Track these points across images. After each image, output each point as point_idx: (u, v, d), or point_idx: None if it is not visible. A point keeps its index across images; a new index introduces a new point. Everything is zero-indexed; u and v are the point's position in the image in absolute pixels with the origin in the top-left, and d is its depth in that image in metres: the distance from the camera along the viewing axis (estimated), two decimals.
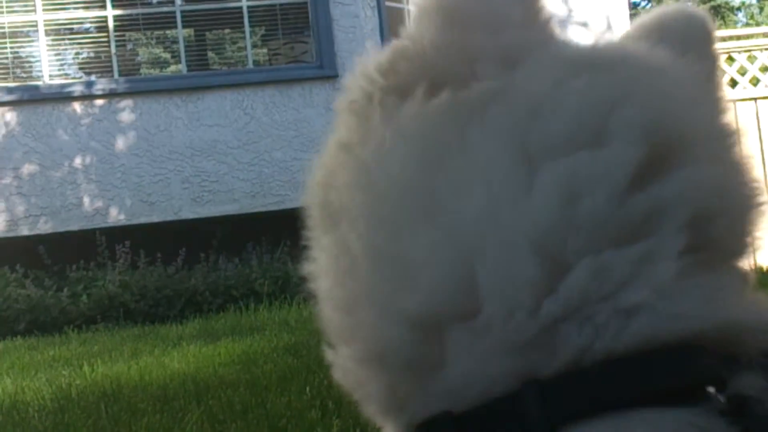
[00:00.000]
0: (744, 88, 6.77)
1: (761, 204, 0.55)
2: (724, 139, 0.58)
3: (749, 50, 6.84)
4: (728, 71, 6.54)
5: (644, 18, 0.70)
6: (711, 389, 0.49)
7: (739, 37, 7.44)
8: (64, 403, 3.29)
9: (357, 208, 0.58)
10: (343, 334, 0.56)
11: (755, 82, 6.83)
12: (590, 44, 0.65)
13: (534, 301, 0.47)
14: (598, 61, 0.59)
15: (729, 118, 0.57)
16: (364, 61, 0.60)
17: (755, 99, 6.78)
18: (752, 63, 6.71)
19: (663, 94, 0.55)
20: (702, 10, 0.68)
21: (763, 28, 8.65)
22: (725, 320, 0.51)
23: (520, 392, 0.46)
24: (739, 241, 0.56)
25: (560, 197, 0.50)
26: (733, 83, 6.75)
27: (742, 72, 6.84)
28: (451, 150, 0.54)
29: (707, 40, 0.64)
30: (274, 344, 4.23)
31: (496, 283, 0.49)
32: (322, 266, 0.58)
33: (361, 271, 0.54)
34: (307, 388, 2.89)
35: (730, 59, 6.65)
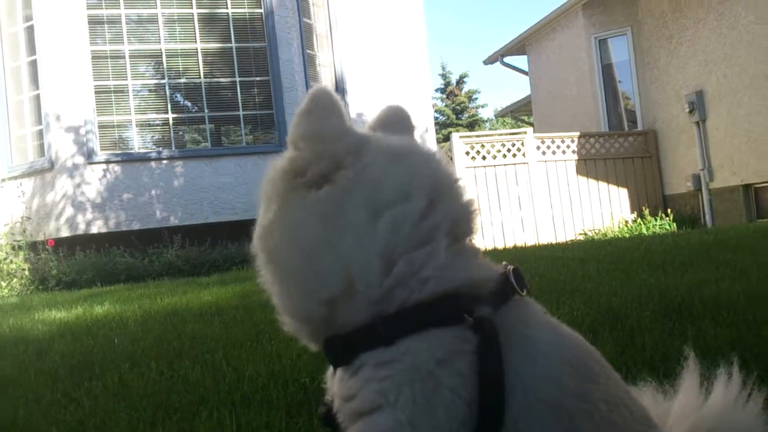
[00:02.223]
0: (483, 158, 11.80)
1: (476, 214, 1.10)
2: (457, 184, 1.12)
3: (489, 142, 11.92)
4: (481, 150, 11.65)
5: (377, 114, 1.24)
6: (466, 316, 0.97)
7: (484, 135, 12.46)
8: (147, 317, 4.38)
9: (282, 249, 1.09)
10: (286, 311, 1.11)
11: (491, 157, 11.86)
12: (390, 140, 1.15)
13: (380, 280, 0.95)
14: (403, 151, 1.11)
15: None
16: (272, 166, 1.12)
17: (488, 166, 11.76)
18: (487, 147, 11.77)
19: (434, 166, 1.11)
20: (401, 107, 1.24)
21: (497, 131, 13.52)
22: (471, 278, 1.00)
23: (374, 323, 0.95)
24: (471, 233, 1.07)
25: (390, 229, 0.99)
26: (480, 157, 11.81)
27: (485, 152, 11.91)
28: (333, 215, 1.03)
29: (409, 122, 1.21)
30: (254, 287, 6.77)
31: (362, 274, 0.97)
32: (267, 280, 1.12)
33: (291, 281, 1.05)
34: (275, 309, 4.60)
35: (482, 145, 11.83)
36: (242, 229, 8.04)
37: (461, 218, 1.12)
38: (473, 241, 1.15)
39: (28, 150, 10.85)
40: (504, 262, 1.17)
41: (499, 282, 1.11)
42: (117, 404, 2.30)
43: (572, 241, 11.38)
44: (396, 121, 1.24)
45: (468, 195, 1.15)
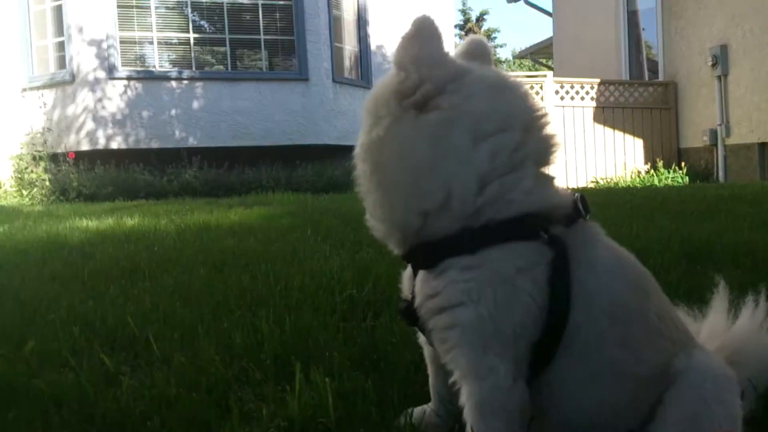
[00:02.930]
0: None
1: (558, 146, 1.24)
2: (545, 118, 1.23)
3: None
4: None
5: (462, 44, 1.33)
6: (543, 233, 1.18)
7: None
8: (181, 231, 4.61)
9: (391, 163, 1.21)
10: (382, 218, 1.24)
11: None
12: (487, 72, 1.25)
13: (474, 198, 1.14)
14: (501, 84, 1.23)
15: None
16: (380, 85, 1.24)
17: None
18: None
19: (528, 100, 1.24)
20: (483, 40, 1.33)
21: (514, 73, 13.52)
22: (549, 202, 1.19)
23: (461, 234, 1.15)
24: (552, 162, 1.23)
25: (489, 156, 1.16)
26: None
27: None
28: (441, 137, 1.17)
29: (490, 55, 1.32)
30: (278, 211, 6.01)
31: (460, 192, 1.15)
32: (365, 189, 1.24)
33: (394, 192, 1.20)
34: (308, 231, 4.03)
35: None
36: (259, 154, 9.24)
37: (546, 149, 1.27)
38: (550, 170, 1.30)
39: (50, 61, 10.86)
40: (571, 190, 1.32)
41: (570, 207, 1.27)
42: (177, 302, 2.48)
43: (585, 188, 11.47)
44: (479, 52, 1.35)
45: (553, 128, 1.29)
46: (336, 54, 11.76)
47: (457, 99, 1.20)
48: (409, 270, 1.36)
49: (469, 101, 1.20)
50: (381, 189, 1.26)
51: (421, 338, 1.47)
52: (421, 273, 1.27)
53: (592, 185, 12.46)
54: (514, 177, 1.19)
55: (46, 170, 9.71)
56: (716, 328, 1.54)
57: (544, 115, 1.28)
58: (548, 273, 1.18)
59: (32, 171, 9.71)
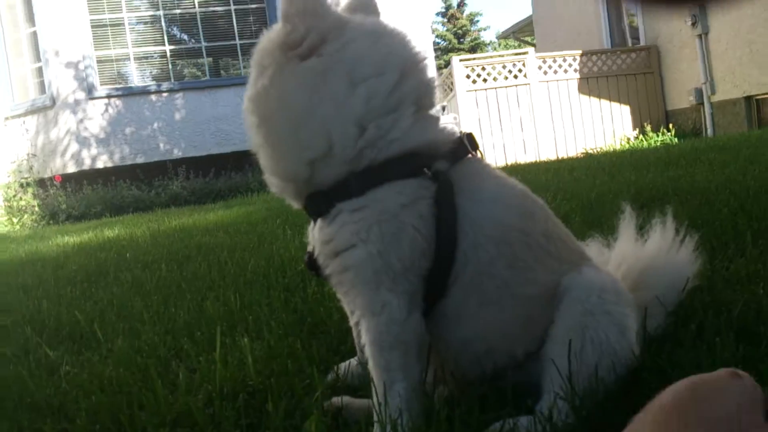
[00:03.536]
0: (484, 81, 11.82)
1: (437, 89, 1.28)
2: (423, 63, 1.22)
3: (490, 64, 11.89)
4: (482, 73, 11.63)
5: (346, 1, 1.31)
6: (425, 170, 1.22)
7: (485, 57, 12.40)
8: (156, 235, 4.70)
9: (274, 113, 1.21)
10: (273, 172, 1.26)
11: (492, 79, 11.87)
12: (368, 21, 1.27)
13: (354, 143, 1.18)
14: (378, 31, 1.24)
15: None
16: (267, 38, 1.22)
17: (489, 89, 11.82)
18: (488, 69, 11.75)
19: (405, 46, 1.26)
20: None
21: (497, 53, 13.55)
22: (430, 139, 1.25)
23: (347, 178, 1.18)
24: (433, 105, 1.28)
25: (365, 99, 1.18)
26: (482, 80, 11.80)
27: (486, 75, 11.89)
28: (318, 84, 1.19)
29: (376, 7, 1.29)
30: (258, 209, 6.10)
31: (340, 138, 1.18)
32: (256, 143, 1.26)
33: (279, 144, 1.21)
34: (277, 221, 4.17)
35: (482, 68, 11.77)
36: (245, 159, 7.81)
37: (425, 91, 1.29)
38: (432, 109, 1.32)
39: (30, 88, 10.91)
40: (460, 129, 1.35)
41: (454, 143, 1.30)
42: (132, 296, 2.50)
43: (572, 157, 11.46)
44: (364, 4, 1.36)
45: (432, 72, 1.31)
46: None
47: (335, 46, 1.21)
48: (312, 223, 1.38)
49: (346, 48, 1.22)
50: (269, 141, 1.27)
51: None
52: (318, 221, 1.29)
53: (581, 156, 12.44)
54: (392, 118, 1.21)
55: (34, 196, 9.76)
56: (626, 252, 1.55)
57: (423, 59, 1.29)
58: (433, 206, 1.21)
59: (21, 198, 9.76)
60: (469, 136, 1.33)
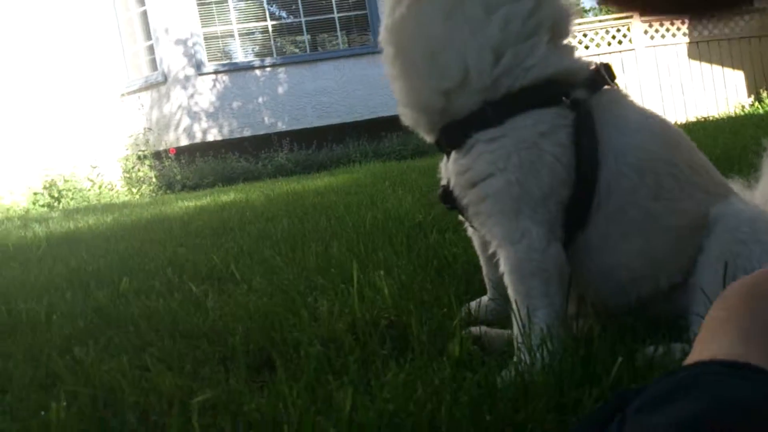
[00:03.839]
0: (586, 48, 11.34)
1: (575, 16, 1.24)
2: None
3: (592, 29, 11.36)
4: (583, 40, 11.16)
5: None
6: (564, 98, 1.20)
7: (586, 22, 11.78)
8: (270, 199, 5.02)
9: (411, 42, 1.22)
10: (408, 103, 1.28)
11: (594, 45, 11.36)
12: None
13: (490, 70, 1.17)
14: None
15: None
16: None
17: (591, 56, 11.32)
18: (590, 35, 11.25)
19: None
20: None
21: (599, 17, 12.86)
22: (568, 67, 1.23)
23: (483, 108, 1.17)
24: (569, 33, 1.25)
25: (501, 24, 1.17)
26: (583, 47, 11.33)
27: (587, 41, 11.41)
28: (455, 10, 1.19)
29: None
30: (363, 175, 6.43)
31: (476, 65, 1.18)
32: (391, 74, 1.26)
33: (415, 74, 1.23)
34: (386, 183, 4.49)
35: (584, 34, 11.30)
36: (345, 131, 9.56)
37: (562, 18, 1.28)
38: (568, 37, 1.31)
39: (142, 65, 11.48)
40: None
41: (592, 73, 1.28)
42: (261, 244, 2.64)
43: (683, 123, 10.94)
44: None
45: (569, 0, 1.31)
46: None
47: None
48: (444, 158, 1.41)
49: None
50: (404, 71, 1.31)
51: (469, 229, 1.52)
52: (452, 154, 1.32)
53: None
54: (528, 45, 1.21)
55: (151, 167, 10.34)
56: None
57: None
58: (572, 134, 1.20)
59: (139, 169, 10.36)
60: (606, 67, 1.32)
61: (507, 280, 1.24)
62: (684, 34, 12.46)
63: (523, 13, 1.22)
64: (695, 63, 12.50)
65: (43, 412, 1.24)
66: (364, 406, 1.00)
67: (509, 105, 1.21)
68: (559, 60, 1.24)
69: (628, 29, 12.24)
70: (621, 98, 1.30)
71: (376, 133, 10.64)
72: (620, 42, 12.25)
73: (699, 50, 12.50)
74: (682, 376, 0.54)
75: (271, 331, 1.49)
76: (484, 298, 1.59)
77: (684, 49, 12.48)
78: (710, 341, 0.63)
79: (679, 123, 11.56)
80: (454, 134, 1.28)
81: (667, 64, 12.41)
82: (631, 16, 12.64)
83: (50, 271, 2.72)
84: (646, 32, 12.33)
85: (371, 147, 10.28)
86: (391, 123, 8.95)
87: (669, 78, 12.40)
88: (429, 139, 1.39)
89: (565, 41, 1.31)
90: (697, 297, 1.17)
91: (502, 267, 1.25)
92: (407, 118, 1.38)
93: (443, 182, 1.41)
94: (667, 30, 12.41)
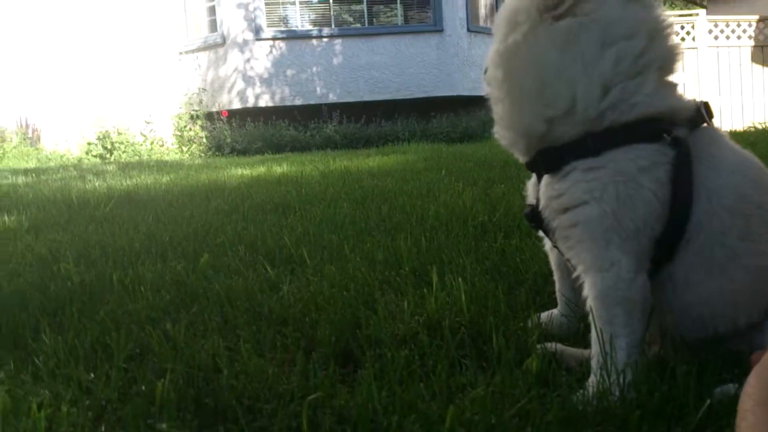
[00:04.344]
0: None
1: (681, 55, 1.29)
2: (670, 28, 1.29)
3: None
4: None
5: None
6: (666, 136, 1.25)
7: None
8: (324, 175, 5.09)
9: (523, 69, 1.30)
10: (509, 125, 1.37)
11: None
12: None
13: (598, 103, 1.24)
14: None
15: None
16: None
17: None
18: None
19: (654, 11, 1.29)
20: None
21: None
22: (671, 106, 1.27)
23: (585, 137, 1.26)
24: (675, 71, 1.30)
25: (614, 61, 1.24)
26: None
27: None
28: (571, 44, 1.25)
29: None
30: (413, 158, 6.35)
31: (584, 97, 1.25)
32: (496, 96, 1.37)
33: (522, 99, 1.31)
34: (442, 172, 4.47)
35: None
36: (395, 108, 9.61)
37: (669, 57, 1.33)
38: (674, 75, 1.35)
39: (203, 25, 11.62)
40: (695, 98, 1.38)
41: (693, 111, 1.31)
42: (325, 228, 2.73)
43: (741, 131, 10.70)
44: None
45: (676, 39, 1.35)
46: (471, 3, 11.62)
47: (590, 6, 1.26)
48: (533, 178, 1.47)
49: (601, 8, 1.26)
50: (511, 95, 1.36)
51: (547, 245, 1.58)
52: (545, 177, 1.37)
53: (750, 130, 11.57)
54: (637, 81, 1.25)
55: (202, 128, 10.52)
56: None
57: (670, 24, 1.33)
58: (671, 171, 1.24)
59: (190, 129, 10.56)
60: (706, 105, 1.36)
61: (591, 305, 1.29)
62: (749, 37, 12.13)
63: (635, 51, 1.26)
64: (758, 67, 12.18)
65: (143, 386, 1.34)
66: (457, 419, 1.07)
67: (611, 138, 1.26)
68: (664, 98, 1.29)
69: (693, 26, 11.96)
70: (718, 138, 1.34)
71: (426, 112, 10.66)
72: (683, 39, 11.97)
73: (763, 54, 12.17)
74: None
75: (353, 326, 1.57)
76: (555, 312, 1.65)
77: (748, 51, 12.15)
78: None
79: (733, 128, 11.32)
80: (551, 159, 1.33)
81: (728, 65, 12.12)
82: (696, 14, 12.33)
83: (126, 234, 2.85)
84: (710, 31, 12.04)
85: (420, 126, 10.30)
86: (442, 104, 9.11)
87: (729, 79, 12.12)
88: (522, 159, 1.45)
89: (671, 78, 1.35)
90: None
91: (587, 292, 1.30)
92: (504, 139, 1.44)
93: (530, 201, 1.46)
94: (732, 31, 12.09)
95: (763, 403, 0.67)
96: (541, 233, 1.50)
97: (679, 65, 1.36)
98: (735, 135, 7.03)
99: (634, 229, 1.24)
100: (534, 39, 1.30)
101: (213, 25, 11.35)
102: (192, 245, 2.57)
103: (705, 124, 1.35)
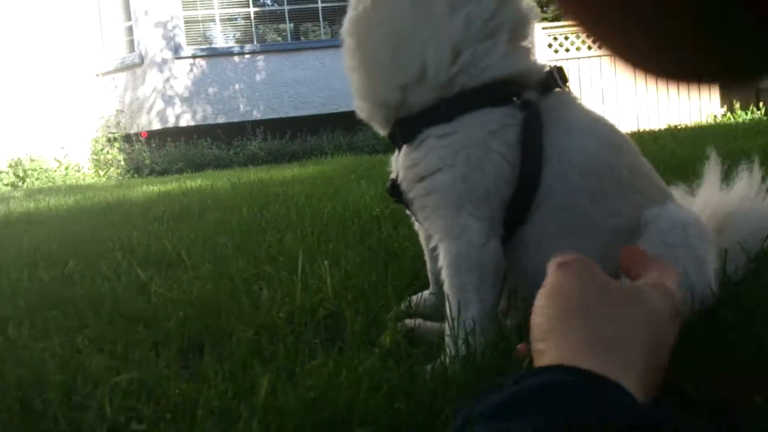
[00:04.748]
0: (567, 51, 11.51)
1: (534, 19, 1.26)
2: None
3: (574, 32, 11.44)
4: (564, 42, 11.29)
5: None
6: (515, 98, 1.22)
7: (569, 25, 12.06)
8: (236, 186, 5.00)
9: (372, 36, 1.24)
10: (365, 96, 1.29)
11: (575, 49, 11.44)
12: None
13: (447, 67, 1.19)
14: None
15: None
16: None
17: (572, 59, 11.39)
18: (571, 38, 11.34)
19: None
20: None
21: None
22: (522, 69, 1.24)
23: (438, 104, 1.21)
24: (527, 35, 1.26)
25: (464, 23, 1.17)
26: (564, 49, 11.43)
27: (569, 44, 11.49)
28: (419, 7, 1.20)
29: None
30: (332, 167, 6.41)
31: (434, 62, 1.19)
32: (351, 66, 1.27)
33: (375, 67, 1.24)
34: (352, 176, 4.47)
35: (566, 37, 11.45)
36: (320, 123, 9.27)
37: (521, 21, 1.29)
38: (526, 40, 1.32)
39: (120, 46, 11.33)
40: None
41: (545, 75, 1.29)
42: (216, 231, 2.62)
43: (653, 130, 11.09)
44: None
45: (528, 2, 1.32)
46: None
47: None
48: (396, 152, 1.41)
49: None
50: (364, 64, 1.30)
51: (416, 223, 1.52)
52: (403, 148, 1.32)
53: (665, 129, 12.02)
54: (487, 45, 1.22)
55: (120, 150, 10.21)
56: (709, 197, 1.53)
57: None
58: (520, 134, 1.22)
59: (108, 152, 10.23)
60: (559, 70, 1.33)
61: (444, 274, 1.25)
62: None
63: (485, 14, 1.22)
64: None
65: None
66: (284, 392, 0.99)
67: (462, 102, 1.22)
68: (515, 62, 1.25)
69: None
70: (569, 101, 1.31)
71: (353, 126, 10.62)
72: (600, 47, 12.34)
73: None
74: (530, 384, 0.53)
75: (207, 317, 1.47)
76: (426, 292, 1.60)
77: None
78: (550, 340, 0.64)
79: (653, 129, 11.72)
80: (407, 128, 1.29)
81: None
82: None
83: (4, 250, 2.67)
84: None
85: (346, 140, 10.26)
86: None
87: (645, 85, 12.55)
88: (383, 132, 1.39)
89: (524, 43, 1.32)
90: None
91: (441, 260, 1.25)
92: (362, 112, 1.38)
93: (392, 175, 1.41)
94: None
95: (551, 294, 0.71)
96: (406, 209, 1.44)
97: (531, 29, 1.33)
98: (652, 132, 7.24)
99: (485, 193, 1.21)
100: (382, 3, 1.25)
101: (131, 45, 11.09)
102: (66, 255, 2.42)
103: (558, 89, 1.32)
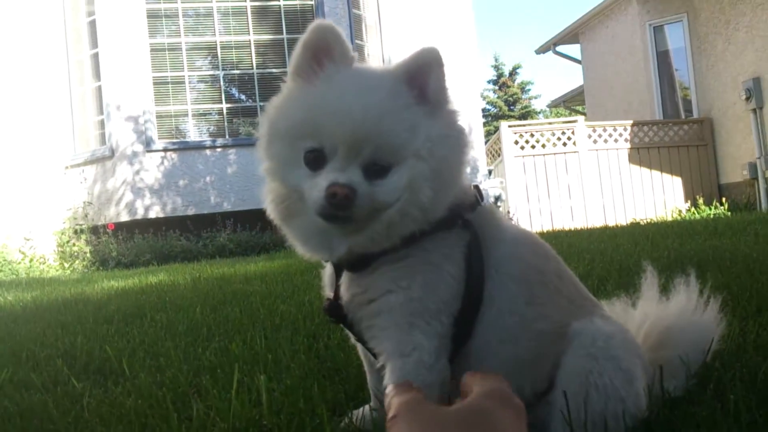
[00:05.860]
0: (533, 147, 11.88)
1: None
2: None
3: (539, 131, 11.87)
4: (530, 140, 11.68)
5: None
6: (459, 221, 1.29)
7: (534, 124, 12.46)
8: (197, 282, 4.98)
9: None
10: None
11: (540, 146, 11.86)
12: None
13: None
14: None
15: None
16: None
17: (538, 155, 11.78)
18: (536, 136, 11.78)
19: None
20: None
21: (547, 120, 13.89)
22: (463, 193, 1.30)
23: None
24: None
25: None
26: (530, 146, 11.82)
27: (534, 141, 11.91)
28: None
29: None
30: (298, 261, 7.46)
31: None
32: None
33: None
34: (313, 273, 4.22)
35: (531, 134, 11.85)
36: None
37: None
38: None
39: (90, 139, 11.42)
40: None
41: (473, 195, 1.34)
42: (163, 336, 2.54)
43: (622, 225, 11.28)
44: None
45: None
46: None
47: None
48: (329, 269, 1.39)
49: None
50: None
51: (353, 338, 1.49)
52: (346, 273, 1.31)
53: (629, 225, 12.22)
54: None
55: (87, 242, 10.08)
56: (648, 311, 1.53)
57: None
58: (465, 252, 1.25)
59: (74, 244, 10.09)
60: (477, 188, 1.37)
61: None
62: (626, 140, 13.07)
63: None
64: (635, 167, 13.06)
65: None
66: None
67: (419, 233, 1.22)
68: (460, 190, 1.29)
69: (573, 132, 12.78)
70: (493, 214, 1.36)
71: None
72: (565, 144, 12.75)
73: (639, 155, 13.10)
74: None
75: None
76: (367, 408, 1.55)
77: (625, 153, 13.05)
78: None
79: (617, 224, 11.94)
80: (363, 261, 1.26)
81: (608, 167, 12.94)
82: (575, 121, 13.24)
83: None
84: (590, 136, 12.89)
85: None
86: None
87: (610, 180, 12.90)
88: (326, 260, 1.37)
89: None
90: (557, 414, 1.19)
91: (387, 378, 1.22)
92: (307, 255, 1.35)
93: (329, 295, 1.38)
94: (610, 135, 13.00)
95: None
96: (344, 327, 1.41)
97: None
98: (614, 228, 7.36)
99: (437, 309, 1.22)
100: None
101: (102, 138, 11.18)
102: (8, 361, 2.32)
103: (480, 205, 1.35)
